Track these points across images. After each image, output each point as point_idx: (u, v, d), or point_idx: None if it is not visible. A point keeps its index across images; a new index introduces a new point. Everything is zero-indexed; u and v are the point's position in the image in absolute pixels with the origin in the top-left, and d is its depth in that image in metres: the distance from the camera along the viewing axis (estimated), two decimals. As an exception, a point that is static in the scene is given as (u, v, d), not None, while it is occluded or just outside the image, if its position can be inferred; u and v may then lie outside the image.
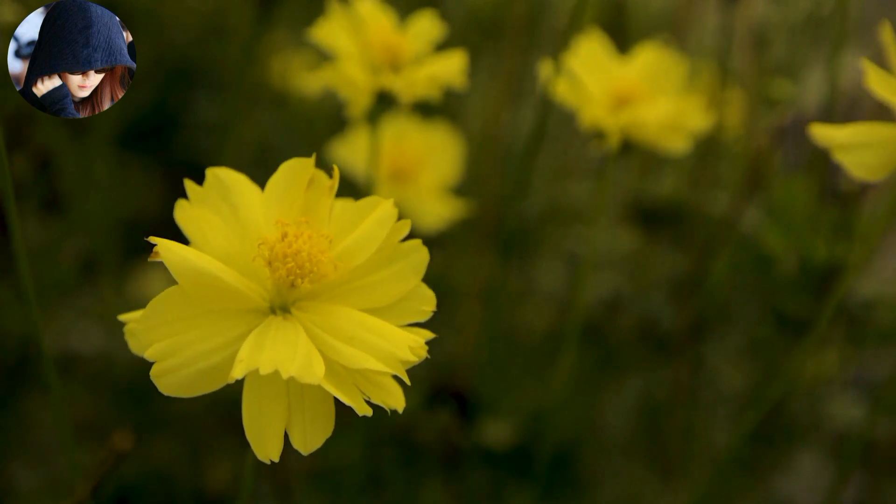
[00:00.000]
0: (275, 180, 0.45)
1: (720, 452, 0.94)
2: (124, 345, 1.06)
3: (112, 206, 1.02)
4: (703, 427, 1.03)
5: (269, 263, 0.42)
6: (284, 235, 0.42)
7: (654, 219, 1.02)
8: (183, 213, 0.44)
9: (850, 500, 0.96)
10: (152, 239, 0.40)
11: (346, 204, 0.45)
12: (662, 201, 1.02)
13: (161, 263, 0.40)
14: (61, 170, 0.95)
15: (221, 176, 0.45)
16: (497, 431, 0.91)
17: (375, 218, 0.43)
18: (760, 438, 0.96)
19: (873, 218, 0.83)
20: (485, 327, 0.96)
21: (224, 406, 0.98)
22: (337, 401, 0.41)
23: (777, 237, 0.87)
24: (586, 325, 0.99)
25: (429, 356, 0.42)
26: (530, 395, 0.96)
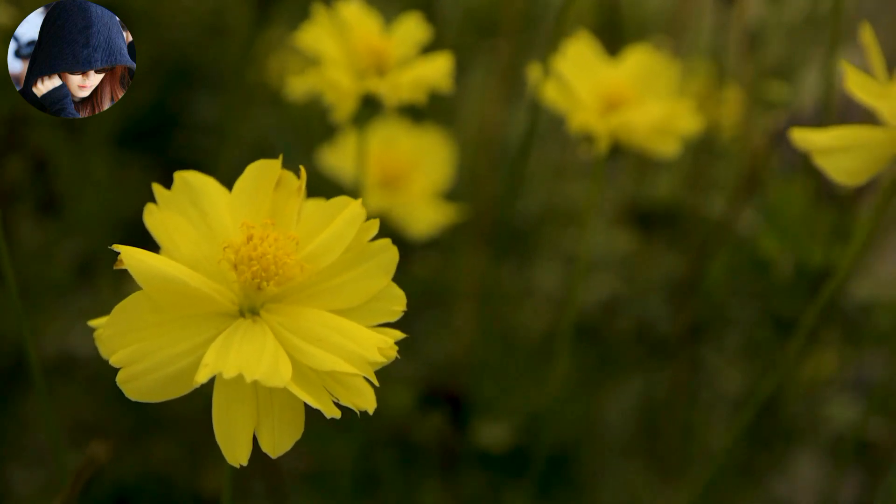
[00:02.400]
0: (242, 183, 0.45)
1: (718, 453, 0.94)
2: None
3: (110, 206, 1.02)
4: (702, 428, 1.03)
5: (235, 267, 0.42)
6: (250, 238, 0.42)
7: (650, 220, 1.03)
8: (152, 218, 0.44)
9: (847, 501, 0.96)
10: (116, 247, 0.40)
11: (317, 204, 0.45)
12: (659, 203, 1.02)
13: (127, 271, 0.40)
14: (58, 171, 0.95)
15: (190, 179, 0.45)
16: (494, 432, 0.91)
17: (344, 218, 0.43)
18: (759, 440, 0.96)
19: (868, 220, 0.83)
20: (481, 328, 0.96)
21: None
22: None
23: (773, 240, 0.87)
24: (584, 326, 0.99)
25: (399, 357, 0.41)
26: (527, 396, 0.96)
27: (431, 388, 0.90)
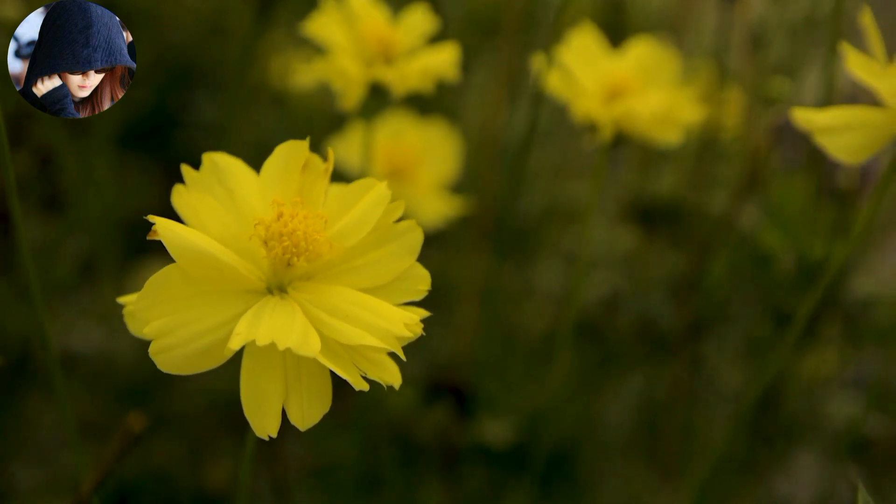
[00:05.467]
0: (270, 163, 0.45)
1: (718, 451, 0.94)
2: (124, 344, 1.06)
3: (112, 205, 1.02)
4: (702, 426, 1.03)
5: (265, 243, 0.42)
6: (280, 215, 0.43)
7: (652, 218, 1.03)
8: (180, 198, 0.44)
9: (847, 499, 0.96)
10: (151, 217, 0.40)
11: (341, 188, 0.46)
12: (661, 200, 1.02)
13: (160, 250, 0.40)
14: (62, 168, 0.95)
15: (218, 160, 0.46)
16: (495, 430, 0.91)
17: (370, 199, 0.44)
18: (759, 438, 0.96)
19: (868, 215, 0.83)
20: (483, 327, 0.96)
21: (223, 406, 0.98)
22: (334, 388, 0.41)
23: (775, 236, 0.87)
24: (585, 324, 0.99)
25: (425, 335, 0.42)
26: (528, 395, 0.96)
27: (436, 381, 0.90)
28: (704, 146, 0.96)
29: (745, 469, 0.98)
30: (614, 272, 1.06)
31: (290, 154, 0.45)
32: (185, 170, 0.45)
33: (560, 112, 0.81)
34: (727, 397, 1.03)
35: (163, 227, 0.40)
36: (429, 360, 0.95)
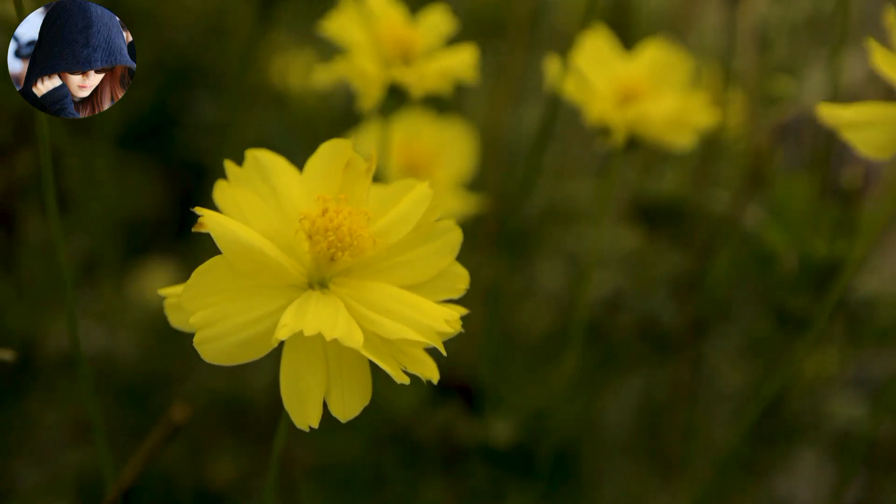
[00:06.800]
0: (314, 161, 0.46)
1: (720, 451, 0.94)
2: (125, 344, 1.06)
3: (113, 205, 1.02)
4: (704, 426, 1.03)
5: (310, 237, 0.43)
6: (325, 211, 0.43)
7: (655, 217, 1.02)
8: (222, 194, 0.45)
9: (850, 499, 0.96)
10: (198, 210, 0.41)
11: (382, 187, 0.46)
12: (663, 199, 1.02)
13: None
14: (64, 168, 0.95)
15: (260, 158, 0.46)
16: (498, 430, 0.91)
17: (413, 198, 0.45)
18: (761, 437, 0.96)
19: (874, 215, 0.83)
20: (487, 327, 0.96)
21: (224, 406, 0.98)
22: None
23: (778, 235, 0.87)
24: (587, 323, 0.99)
25: (462, 330, 0.43)
26: (532, 394, 0.96)
27: (444, 380, 0.90)
28: (707, 145, 0.96)
29: (745, 468, 0.98)
30: (616, 271, 1.06)
31: (333, 152, 0.46)
32: (229, 165, 0.46)
33: (562, 112, 0.81)
34: (728, 397, 1.03)
35: (211, 220, 0.41)
36: (434, 360, 0.95)
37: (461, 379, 0.91)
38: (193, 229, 0.41)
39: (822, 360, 0.98)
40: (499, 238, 0.98)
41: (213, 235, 0.40)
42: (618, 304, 1.02)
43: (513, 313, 1.07)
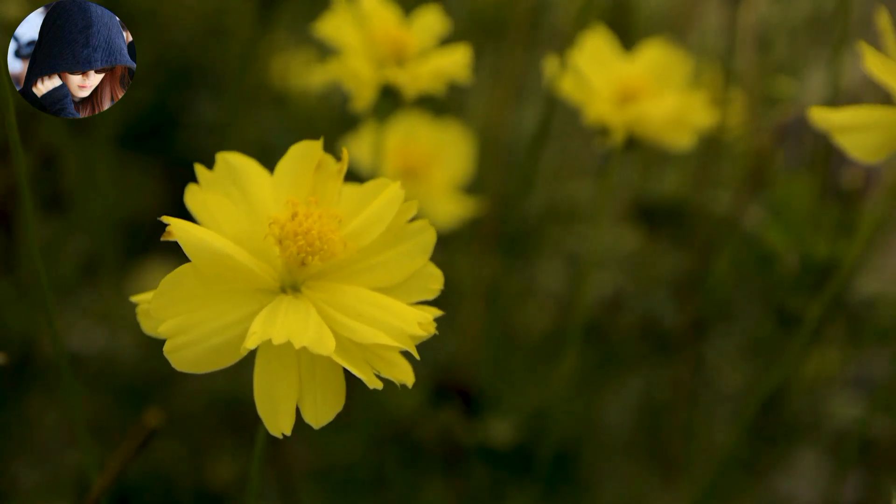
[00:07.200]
0: (284, 164, 0.46)
1: (720, 451, 0.94)
2: (125, 344, 1.06)
3: (112, 205, 1.02)
4: (704, 426, 1.03)
5: (280, 242, 0.43)
6: (295, 215, 0.43)
7: (655, 217, 1.02)
8: (193, 198, 0.45)
9: (849, 499, 0.96)
10: (165, 219, 0.40)
11: (354, 188, 0.46)
12: (664, 200, 1.02)
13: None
14: (64, 168, 0.95)
15: (231, 160, 0.46)
16: (498, 430, 0.91)
17: (384, 199, 0.44)
18: (761, 437, 0.96)
19: (874, 215, 0.83)
20: (486, 327, 0.96)
21: (223, 406, 0.98)
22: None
23: (778, 235, 0.87)
24: (587, 323, 0.99)
25: (435, 332, 0.42)
26: (532, 394, 0.96)
27: (442, 382, 0.90)
28: (707, 145, 0.95)
29: (746, 468, 0.98)
30: (617, 271, 1.06)
31: (303, 154, 0.45)
32: (199, 169, 0.45)
33: (561, 112, 0.81)
34: (728, 397, 1.03)
35: (178, 228, 0.40)
36: (433, 360, 0.95)
37: (460, 382, 0.91)
38: (161, 238, 0.40)
39: (822, 360, 0.98)
40: (499, 238, 0.98)
41: (180, 243, 0.40)
42: (618, 305, 1.02)
43: (513, 313, 1.07)
